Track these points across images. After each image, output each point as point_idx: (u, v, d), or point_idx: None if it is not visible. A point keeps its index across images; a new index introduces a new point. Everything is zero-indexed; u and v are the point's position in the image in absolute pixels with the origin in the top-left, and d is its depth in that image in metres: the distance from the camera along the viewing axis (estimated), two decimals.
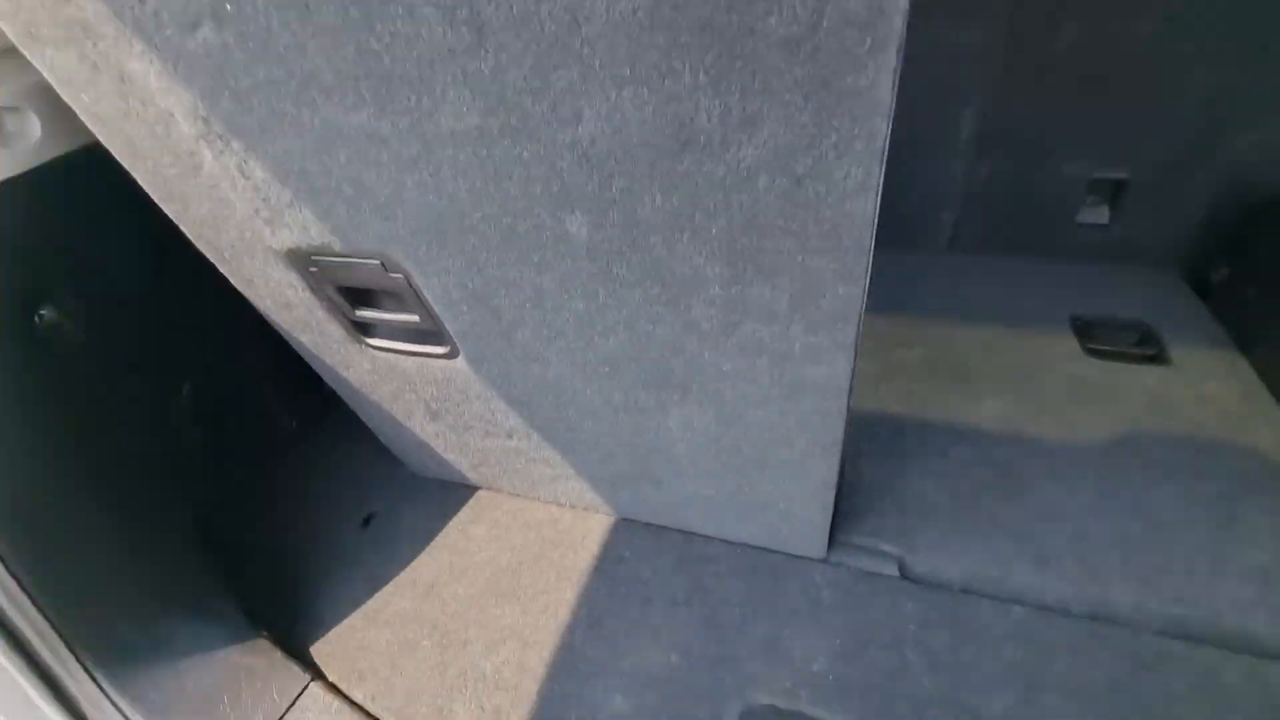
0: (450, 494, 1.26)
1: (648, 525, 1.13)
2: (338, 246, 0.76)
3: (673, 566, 1.06)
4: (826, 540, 1.01)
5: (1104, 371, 1.30)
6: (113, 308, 0.96)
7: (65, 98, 0.67)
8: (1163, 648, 0.87)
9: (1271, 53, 1.23)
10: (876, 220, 0.53)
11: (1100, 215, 1.54)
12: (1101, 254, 1.57)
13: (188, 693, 0.87)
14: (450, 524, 1.20)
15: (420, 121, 0.57)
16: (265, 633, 0.98)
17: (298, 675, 0.94)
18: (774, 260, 0.58)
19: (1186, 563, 0.94)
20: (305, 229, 0.75)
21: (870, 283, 0.59)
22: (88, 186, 0.86)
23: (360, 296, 0.88)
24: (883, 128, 0.46)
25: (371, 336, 0.93)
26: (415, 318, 0.85)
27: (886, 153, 0.49)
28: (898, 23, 0.41)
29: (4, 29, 0.62)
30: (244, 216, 0.76)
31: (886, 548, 1.02)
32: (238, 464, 1.29)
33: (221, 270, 0.88)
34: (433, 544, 1.17)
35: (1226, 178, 1.38)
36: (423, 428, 1.12)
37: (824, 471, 0.84)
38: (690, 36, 0.46)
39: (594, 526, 1.15)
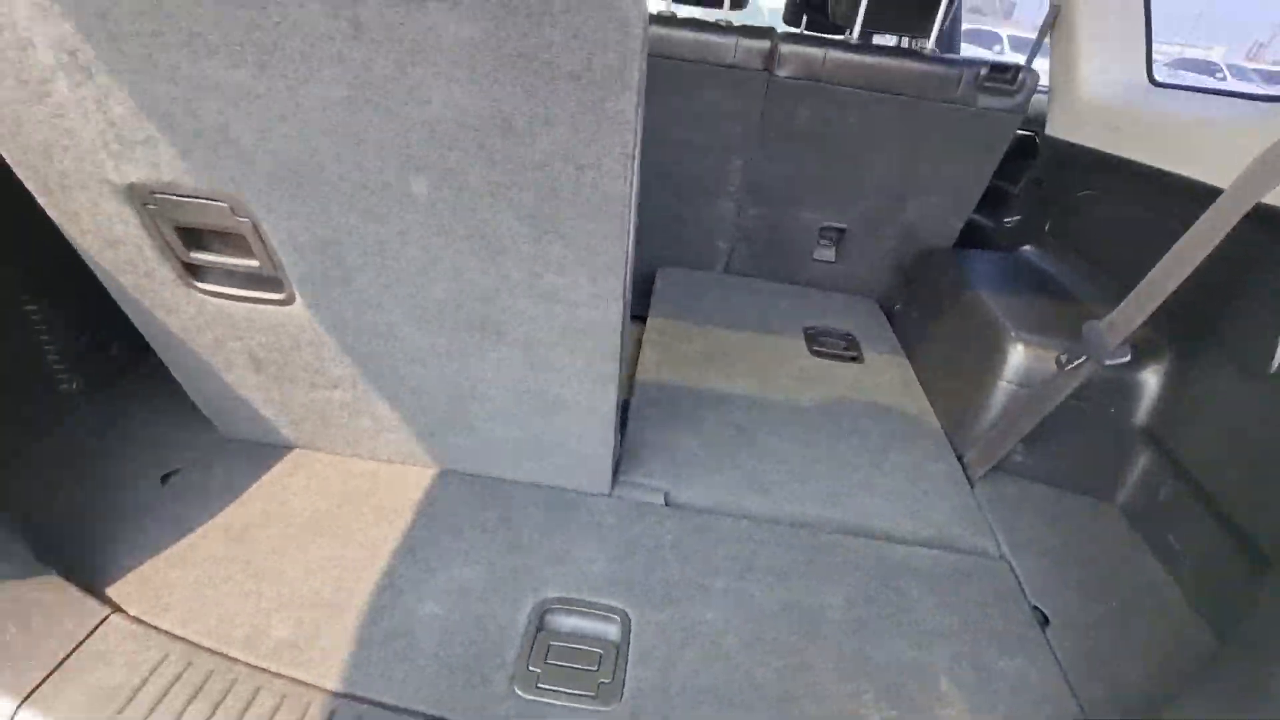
0: (264, 453, 1.30)
1: (461, 474, 1.29)
2: (188, 186, 0.85)
3: (483, 502, 1.23)
4: (610, 479, 1.26)
5: (821, 365, 1.74)
6: None
7: None
8: (832, 540, 1.24)
9: (925, 151, 1.79)
10: (633, 200, 0.79)
11: (828, 254, 2.04)
12: (828, 283, 2.08)
13: None
14: (264, 477, 1.25)
15: (296, 86, 0.72)
16: (57, 571, 0.97)
17: (95, 609, 0.94)
18: (566, 224, 0.82)
19: (853, 487, 1.34)
20: (155, 166, 0.84)
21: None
22: None
23: (196, 239, 0.95)
24: (630, 138, 0.73)
25: (203, 280, 1.00)
26: (255, 262, 0.95)
27: (638, 156, 0.75)
28: (634, 74, 0.68)
29: None
30: (87, 149, 0.83)
31: (656, 484, 1.30)
32: (8, 423, 1.21)
33: (41, 202, 0.91)
34: (244, 495, 1.21)
35: (903, 232, 1.95)
36: (243, 380, 1.17)
37: (605, 408, 1.09)
38: (511, 61, 0.69)
39: (411, 476, 1.28)
